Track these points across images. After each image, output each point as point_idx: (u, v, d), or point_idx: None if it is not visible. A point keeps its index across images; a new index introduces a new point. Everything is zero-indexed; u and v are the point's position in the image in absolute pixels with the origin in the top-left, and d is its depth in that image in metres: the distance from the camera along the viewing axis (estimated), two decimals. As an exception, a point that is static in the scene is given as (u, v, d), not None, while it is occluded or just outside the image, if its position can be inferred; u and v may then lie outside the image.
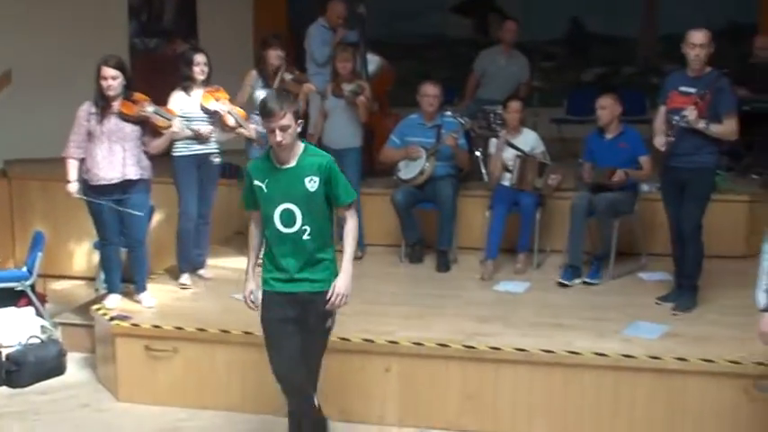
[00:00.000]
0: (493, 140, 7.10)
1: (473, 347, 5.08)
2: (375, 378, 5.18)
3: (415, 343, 5.14)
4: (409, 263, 7.04)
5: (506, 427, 5.04)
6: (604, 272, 6.46)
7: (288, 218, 4.16)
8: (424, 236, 7.07)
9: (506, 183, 6.87)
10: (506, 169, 6.92)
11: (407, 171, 6.97)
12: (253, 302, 4.35)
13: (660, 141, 5.67)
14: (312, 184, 4.15)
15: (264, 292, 4.28)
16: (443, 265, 6.84)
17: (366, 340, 5.21)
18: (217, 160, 6.45)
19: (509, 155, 6.91)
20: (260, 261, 4.38)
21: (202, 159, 6.36)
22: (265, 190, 4.18)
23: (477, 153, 7.67)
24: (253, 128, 6.54)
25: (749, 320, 5.48)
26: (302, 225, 4.15)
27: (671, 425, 4.91)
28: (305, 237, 4.16)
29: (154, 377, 5.50)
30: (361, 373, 5.20)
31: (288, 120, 4.05)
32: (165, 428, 5.25)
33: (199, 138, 6.27)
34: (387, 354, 5.16)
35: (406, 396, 5.16)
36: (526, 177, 6.72)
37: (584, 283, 6.32)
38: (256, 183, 4.21)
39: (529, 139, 6.98)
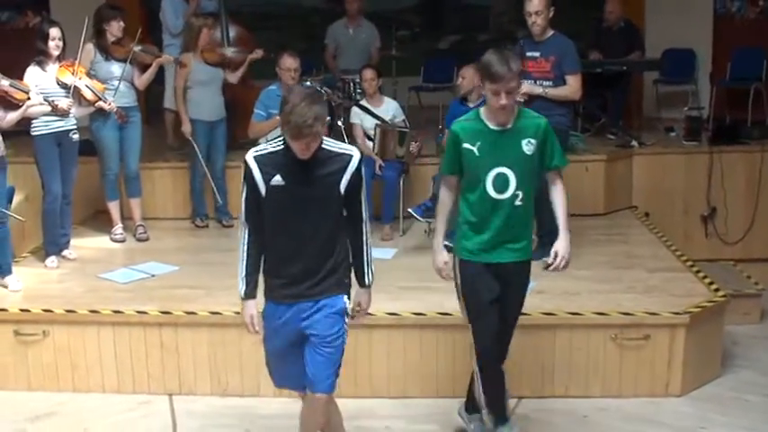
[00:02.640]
0: (354, 109, 7.19)
1: (346, 315, 5.18)
2: (249, 350, 5.07)
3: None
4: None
5: (382, 391, 5.17)
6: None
7: (502, 183, 3.95)
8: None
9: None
10: (369, 138, 7.04)
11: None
12: (448, 275, 4.18)
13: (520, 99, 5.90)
14: (529, 146, 3.97)
15: (464, 263, 4.10)
16: None
17: (237, 313, 5.02)
18: (76, 137, 6.31)
19: (370, 124, 7.01)
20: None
21: (62, 137, 6.21)
22: (477, 153, 3.96)
23: (339, 123, 7.75)
24: (111, 101, 6.44)
25: (613, 274, 5.87)
26: (516, 190, 3.96)
27: (540, 373, 5.15)
28: (517, 202, 3.98)
29: (25, 362, 5.39)
30: (235, 347, 5.19)
31: (515, 82, 3.87)
32: (41, 414, 5.16)
33: (58, 112, 6.11)
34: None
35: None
36: (388, 146, 6.85)
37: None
38: (466, 145, 3.98)
39: (390, 108, 7.11)
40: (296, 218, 3.67)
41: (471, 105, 6.77)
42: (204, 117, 7.08)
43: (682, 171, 7.73)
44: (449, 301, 5.26)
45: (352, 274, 3.90)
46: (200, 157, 7.08)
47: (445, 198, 4.18)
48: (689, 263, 6.09)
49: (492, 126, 3.96)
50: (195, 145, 7.07)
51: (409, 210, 6.36)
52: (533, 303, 5.25)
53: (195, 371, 5.26)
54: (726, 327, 5.70)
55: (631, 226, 7.23)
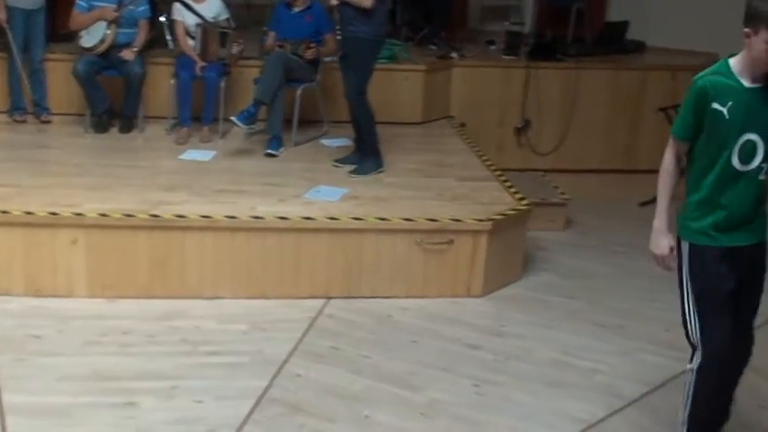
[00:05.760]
0: (176, 5, 7.00)
1: (159, 216, 5.17)
2: (62, 251, 5.14)
3: (101, 214, 5.15)
4: (95, 133, 6.89)
5: (194, 291, 5.22)
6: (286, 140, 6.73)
7: (748, 152, 3.31)
8: (112, 104, 6.96)
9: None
10: (191, 36, 6.93)
11: (88, 39, 6.74)
12: (670, 265, 3.55)
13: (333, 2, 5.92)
14: None
15: (695, 247, 3.46)
16: (125, 126, 6.89)
17: (51, 213, 5.14)
18: None
19: (193, 21, 6.89)
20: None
21: None
22: (727, 116, 3.29)
23: (162, 18, 7.57)
24: None
25: (423, 182, 6.05)
26: (762, 161, 3.32)
27: (348, 275, 5.30)
28: (761, 176, 3.35)
29: None
30: (48, 247, 5.14)
31: None
32: None
33: None
34: (73, 226, 5.13)
35: (95, 268, 5.17)
36: (210, 47, 6.76)
37: (267, 155, 6.50)
38: (715, 106, 3.30)
39: (213, 6, 6.97)
40: None
41: (296, 10, 6.79)
42: (21, 4, 6.72)
43: (499, 84, 7.92)
44: (262, 205, 5.40)
45: None
46: (14, 47, 6.78)
47: (672, 168, 3.51)
48: (497, 172, 6.33)
49: (746, 83, 3.31)
50: (10, 34, 6.76)
51: (231, 118, 6.32)
52: (344, 208, 5.44)
53: (9, 271, 5.14)
54: (531, 233, 6.02)
55: (446, 135, 7.42)
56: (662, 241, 3.52)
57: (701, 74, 3.41)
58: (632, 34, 8.80)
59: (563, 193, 6.82)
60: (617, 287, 5.71)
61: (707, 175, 3.38)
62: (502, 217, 5.44)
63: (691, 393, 3.55)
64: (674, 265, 3.52)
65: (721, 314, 3.41)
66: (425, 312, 5.20)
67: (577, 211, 6.89)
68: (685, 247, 3.47)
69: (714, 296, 3.41)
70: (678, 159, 3.50)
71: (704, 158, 3.39)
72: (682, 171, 3.55)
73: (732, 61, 3.35)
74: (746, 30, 3.20)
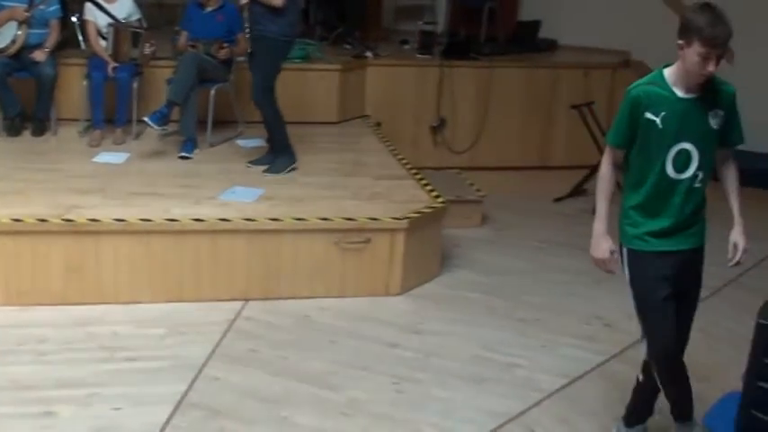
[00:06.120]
0: (87, 5, 6.88)
1: (72, 221, 5.08)
2: None
3: (14, 219, 5.03)
4: (7, 137, 6.72)
5: (110, 296, 5.14)
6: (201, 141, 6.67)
7: (682, 160, 3.39)
8: (24, 107, 6.80)
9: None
10: (102, 37, 6.83)
11: (-2, 40, 6.62)
12: (612, 268, 3.58)
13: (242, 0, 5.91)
14: (716, 119, 3.39)
15: (633, 252, 3.52)
16: (38, 129, 6.74)
17: None
18: None
19: (104, 22, 6.78)
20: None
21: None
22: (660, 125, 3.36)
23: (74, 19, 7.43)
24: None
25: (339, 181, 6.07)
26: (697, 169, 3.39)
27: (267, 276, 5.28)
28: (696, 183, 3.42)
29: None
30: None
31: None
32: None
33: None
34: (-17, 232, 5.01)
35: (9, 274, 5.05)
36: (122, 48, 6.67)
37: (181, 157, 6.44)
38: (648, 115, 3.37)
39: (125, 6, 6.88)
40: None
41: (208, 9, 6.75)
42: None
43: (414, 83, 7.99)
44: (177, 207, 5.34)
45: None
46: None
47: (608, 175, 3.55)
48: (413, 171, 6.38)
49: (679, 93, 3.37)
50: None
51: (144, 119, 6.24)
52: (260, 209, 5.42)
53: None
54: (448, 230, 6.08)
55: (362, 134, 7.45)
56: (602, 245, 3.55)
57: (635, 83, 3.47)
58: (544, 33, 8.96)
59: (479, 190, 6.89)
60: (534, 282, 5.79)
61: (643, 183, 3.45)
62: (418, 215, 5.48)
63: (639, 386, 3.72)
64: (616, 268, 3.58)
65: (661, 316, 3.49)
66: (344, 312, 5.21)
67: (493, 208, 6.98)
68: (625, 251, 3.55)
69: (653, 299, 3.49)
70: (615, 166, 3.54)
71: (640, 166, 3.45)
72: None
73: (666, 72, 3.40)
74: (680, 42, 3.27)
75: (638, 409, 3.90)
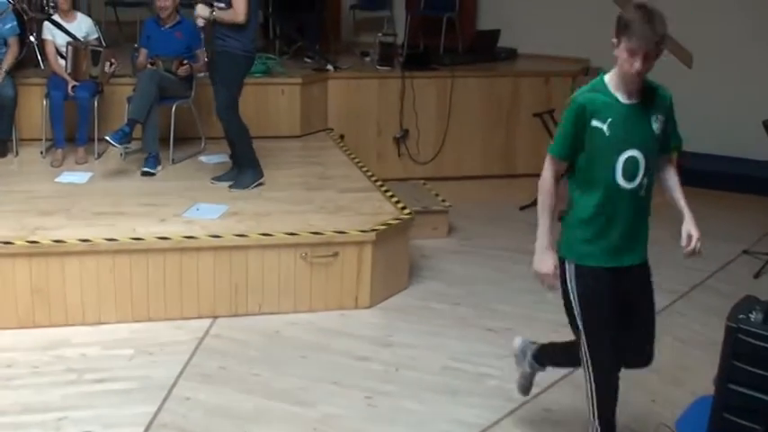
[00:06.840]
0: (46, 24, 6.85)
1: (37, 242, 5.03)
2: None
3: (-24, 242, 4.98)
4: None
5: (77, 318, 5.09)
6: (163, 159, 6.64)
7: (631, 169, 3.29)
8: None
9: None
10: (61, 56, 6.78)
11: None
12: (554, 284, 3.47)
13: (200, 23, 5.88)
14: (658, 124, 3.32)
15: (581, 267, 3.41)
16: (0, 151, 6.69)
17: None
18: None
19: (63, 41, 6.74)
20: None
21: None
22: (607, 133, 3.27)
23: (32, 38, 7.37)
24: None
25: (305, 195, 6.05)
26: (643, 177, 3.31)
27: (234, 293, 5.25)
28: (642, 192, 3.33)
29: None
30: None
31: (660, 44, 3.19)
32: None
33: None
34: (-53, 256, 4.94)
35: (-28, 298, 5.00)
36: (81, 66, 6.63)
37: (144, 173, 6.41)
38: (595, 123, 3.27)
39: (83, 25, 6.87)
40: None
41: (167, 26, 6.73)
42: None
43: (375, 95, 8.01)
44: (141, 226, 5.30)
45: None
46: None
47: (550, 188, 3.43)
48: (378, 183, 6.39)
49: (622, 99, 3.30)
50: None
51: (106, 137, 6.19)
52: (226, 225, 5.40)
53: None
54: (415, 241, 6.10)
55: (326, 148, 7.44)
56: (547, 261, 3.45)
57: (578, 91, 3.39)
58: (504, 42, 9.01)
59: (444, 201, 6.91)
60: (502, 291, 5.81)
61: (591, 194, 3.35)
62: (385, 227, 5.49)
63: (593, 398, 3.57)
64: (558, 283, 3.49)
65: (606, 332, 3.41)
66: (314, 326, 5.20)
67: (459, 218, 7.00)
68: (570, 266, 3.43)
69: (599, 315, 3.40)
70: (557, 179, 3.43)
71: (588, 177, 3.35)
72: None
73: (607, 78, 3.34)
74: (613, 40, 3.23)
75: (550, 355, 3.93)
